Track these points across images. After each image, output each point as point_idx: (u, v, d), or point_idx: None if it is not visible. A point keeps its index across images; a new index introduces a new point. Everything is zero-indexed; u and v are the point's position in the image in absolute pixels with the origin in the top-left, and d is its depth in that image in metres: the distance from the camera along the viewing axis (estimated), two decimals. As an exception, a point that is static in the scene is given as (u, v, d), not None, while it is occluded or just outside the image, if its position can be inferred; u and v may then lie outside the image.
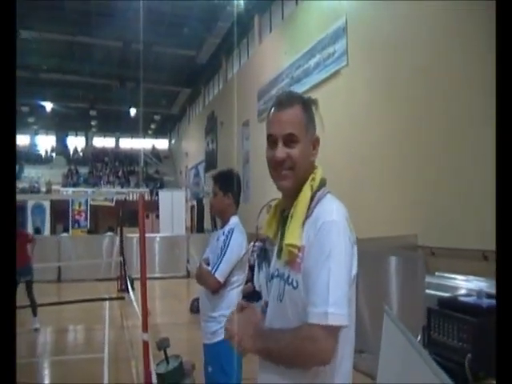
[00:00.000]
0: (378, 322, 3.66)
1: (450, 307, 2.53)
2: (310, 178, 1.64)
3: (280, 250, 1.63)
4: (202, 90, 26.23)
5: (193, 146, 28.17)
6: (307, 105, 1.69)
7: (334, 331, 1.45)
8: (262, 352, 1.56)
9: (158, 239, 14.75)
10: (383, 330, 3.37)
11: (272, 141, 1.65)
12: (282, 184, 1.65)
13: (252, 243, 7.80)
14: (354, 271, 1.55)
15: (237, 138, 17.19)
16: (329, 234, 1.49)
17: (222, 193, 3.38)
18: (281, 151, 1.62)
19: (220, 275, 3.20)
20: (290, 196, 1.65)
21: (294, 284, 1.54)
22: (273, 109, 1.68)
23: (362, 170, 8.68)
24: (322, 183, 1.66)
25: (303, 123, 1.64)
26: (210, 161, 22.16)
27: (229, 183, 3.41)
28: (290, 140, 1.62)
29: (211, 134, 22.34)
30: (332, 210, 1.54)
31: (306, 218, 1.58)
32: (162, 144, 41.62)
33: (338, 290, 1.45)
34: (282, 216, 1.71)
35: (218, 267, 3.20)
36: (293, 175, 1.63)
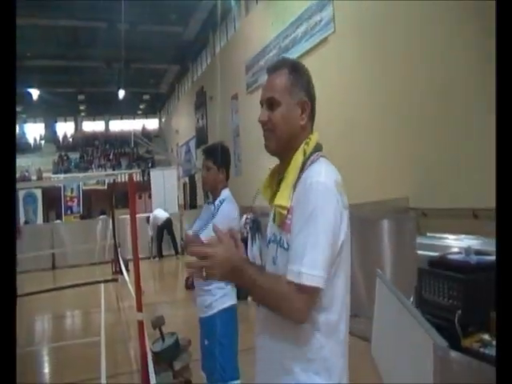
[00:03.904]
0: (371, 286, 3.68)
1: (440, 266, 2.53)
2: (304, 143, 1.62)
3: (275, 214, 1.64)
4: (190, 66, 25.90)
5: (183, 122, 27.90)
6: (294, 68, 1.68)
7: (308, 292, 1.43)
8: (245, 275, 1.47)
9: (151, 218, 14.60)
10: (376, 293, 3.40)
11: (261, 106, 1.69)
12: (265, 145, 1.68)
13: (245, 216, 7.82)
14: (343, 236, 1.53)
15: (226, 112, 17.03)
16: (314, 193, 1.48)
17: (216, 168, 3.34)
18: (262, 114, 1.66)
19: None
20: (285, 161, 1.65)
21: (285, 245, 1.54)
22: None
23: (353, 137, 8.63)
24: (317, 148, 1.65)
25: (285, 86, 1.63)
26: (201, 136, 21.94)
27: (222, 157, 3.38)
28: (271, 103, 1.64)
29: (201, 110, 22.11)
30: (320, 171, 1.54)
31: (298, 180, 1.57)
32: (152, 124, 41.17)
33: (315, 251, 1.43)
34: (278, 180, 1.70)
35: (206, 231, 3.13)
36: (273, 137, 1.64)
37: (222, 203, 3.26)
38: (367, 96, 8.20)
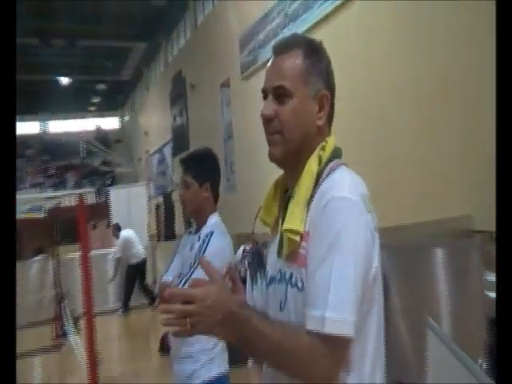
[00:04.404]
0: (420, 342, 3.63)
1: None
2: (319, 148, 1.65)
3: (281, 244, 1.64)
4: (163, 42, 26.19)
5: (154, 121, 28.18)
6: (311, 49, 1.71)
7: (336, 343, 1.42)
8: (248, 326, 1.45)
9: (111, 256, 14.39)
10: (428, 351, 3.34)
11: (264, 96, 1.69)
12: (270, 151, 1.68)
13: (242, 248, 7.74)
14: (376, 264, 1.54)
15: (214, 105, 17.13)
16: (337, 213, 1.49)
17: (197, 183, 3.33)
18: (266, 106, 1.67)
19: None
20: (294, 171, 1.66)
21: (299, 284, 1.54)
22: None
23: (389, 135, 8.57)
24: (335, 154, 1.67)
25: (300, 73, 1.65)
26: (179, 140, 22.21)
27: (206, 169, 3.39)
28: (280, 94, 1.65)
29: (179, 103, 22.32)
30: (343, 184, 1.55)
31: (312, 196, 1.58)
32: (110, 123, 41.59)
33: (342, 289, 1.43)
34: (285, 197, 1.72)
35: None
36: (282, 141, 1.65)
37: (209, 238, 3.22)
38: (407, 79, 8.17)
